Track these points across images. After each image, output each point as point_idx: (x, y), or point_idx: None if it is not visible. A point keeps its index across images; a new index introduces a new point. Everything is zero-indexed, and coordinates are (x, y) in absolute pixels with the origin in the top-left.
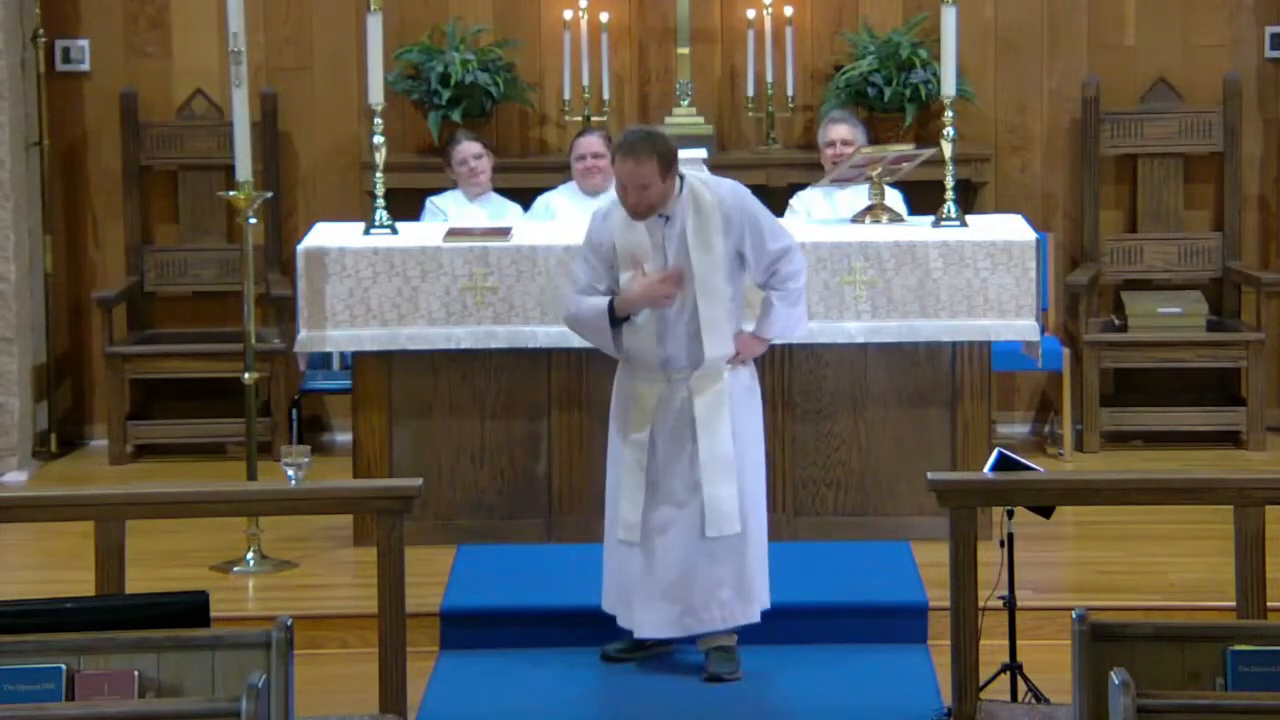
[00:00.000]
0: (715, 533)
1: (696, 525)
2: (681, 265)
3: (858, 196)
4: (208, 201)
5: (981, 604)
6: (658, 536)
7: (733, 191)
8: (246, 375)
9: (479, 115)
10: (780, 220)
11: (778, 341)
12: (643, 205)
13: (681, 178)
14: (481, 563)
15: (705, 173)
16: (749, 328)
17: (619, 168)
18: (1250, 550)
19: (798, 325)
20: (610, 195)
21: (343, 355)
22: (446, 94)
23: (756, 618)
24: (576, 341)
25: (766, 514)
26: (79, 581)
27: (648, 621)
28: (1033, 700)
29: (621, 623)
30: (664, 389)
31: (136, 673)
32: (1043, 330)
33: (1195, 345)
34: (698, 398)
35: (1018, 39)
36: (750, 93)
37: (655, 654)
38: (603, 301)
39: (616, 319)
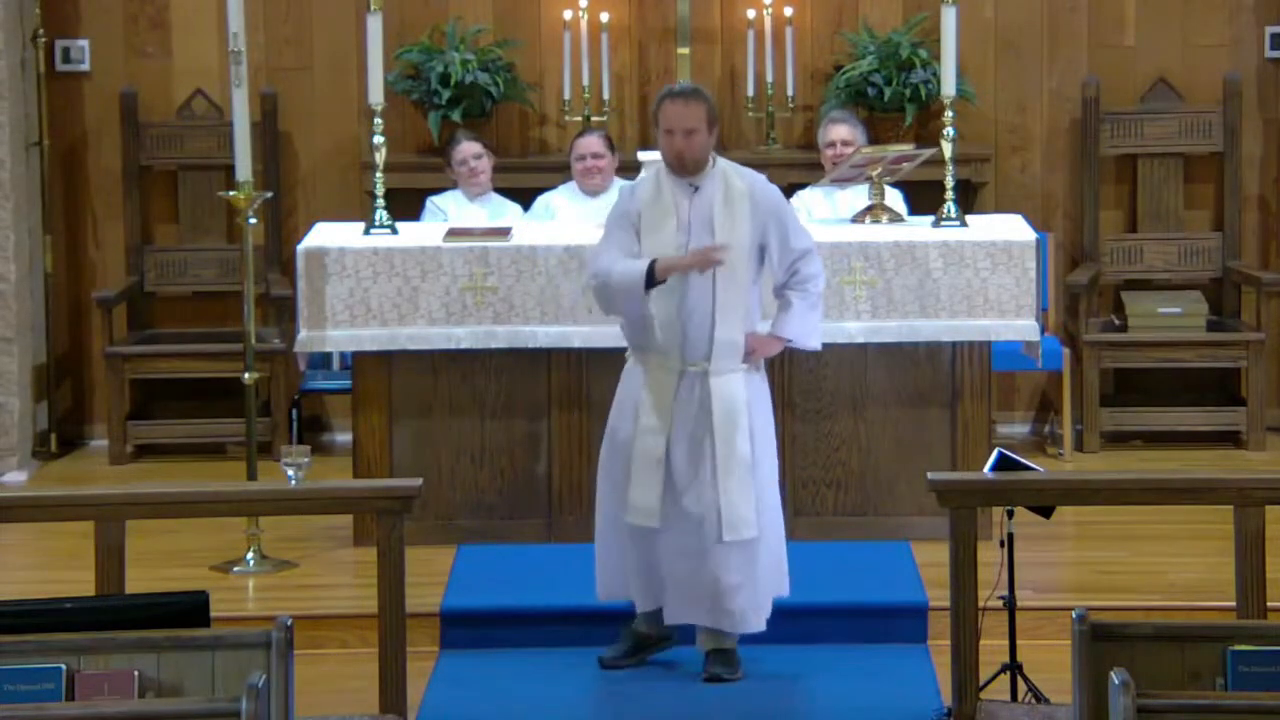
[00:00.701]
0: (732, 537)
1: (712, 529)
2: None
3: (858, 196)
4: (208, 201)
5: (981, 604)
6: (669, 535)
7: (764, 183)
8: (246, 375)
9: (479, 115)
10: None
11: (794, 347)
12: (689, 153)
13: (714, 157)
14: (481, 563)
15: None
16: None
17: (668, 111)
18: (1250, 550)
19: (814, 332)
20: (620, 189)
21: (343, 355)
22: (446, 94)
23: (760, 626)
24: (577, 341)
25: (782, 520)
26: (79, 581)
27: (676, 609)
28: (1033, 700)
29: (625, 594)
30: (681, 385)
31: (136, 673)
32: (1043, 330)
33: (1195, 345)
34: (716, 401)
35: (1018, 39)
36: (750, 93)
37: (652, 655)
38: (642, 263)
39: (652, 282)
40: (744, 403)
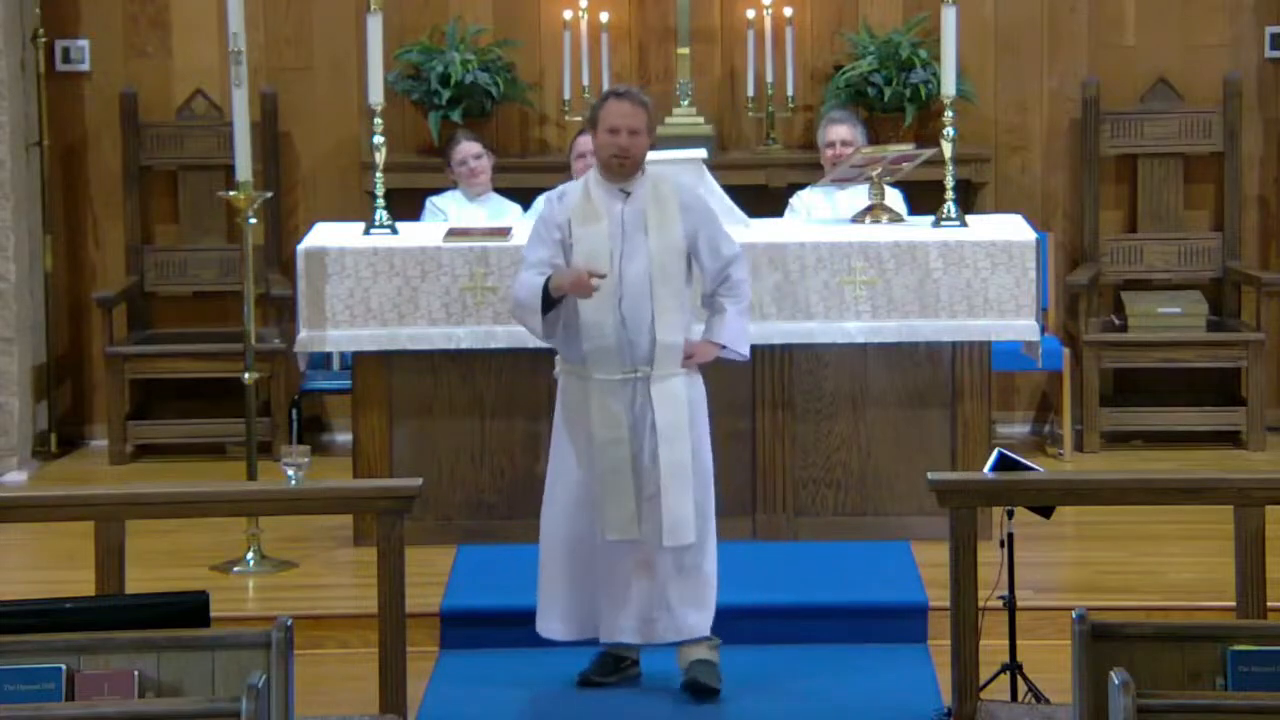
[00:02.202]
0: (672, 542)
1: (654, 534)
2: (606, 270)
3: (858, 196)
4: (208, 201)
5: (981, 604)
6: (607, 549)
7: (691, 189)
8: (246, 375)
9: (479, 115)
10: (776, 221)
11: (725, 355)
12: (630, 153)
13: (644, 165)
14: (481, 563)
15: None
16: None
17: (612, 109)
18: (1250, 550)
19: (746, 339)
20: (545, 195)
21: (343, 355)
22: (446, 94)
23: (707, 630)
24: None
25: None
26: (79, 581)
27: (614, 626)
28: (1033, 700)
29: (561, 634)
30: (624, 393)
31: (136, 673)
32: (1043, 330)
33: (1195, 345)
34: (658, 405)
35: (1018, 39)
36: (750, 93)
37: (629, 673)
38: (540, 279)
39: (550, 300)
40: (686, 407)
